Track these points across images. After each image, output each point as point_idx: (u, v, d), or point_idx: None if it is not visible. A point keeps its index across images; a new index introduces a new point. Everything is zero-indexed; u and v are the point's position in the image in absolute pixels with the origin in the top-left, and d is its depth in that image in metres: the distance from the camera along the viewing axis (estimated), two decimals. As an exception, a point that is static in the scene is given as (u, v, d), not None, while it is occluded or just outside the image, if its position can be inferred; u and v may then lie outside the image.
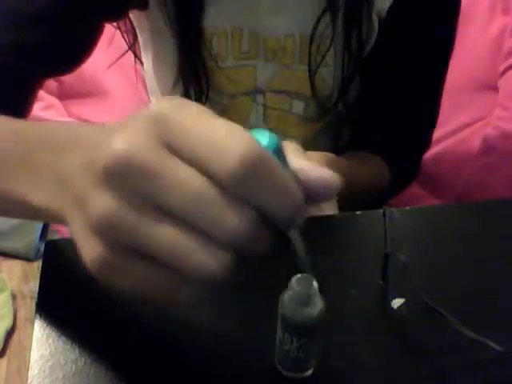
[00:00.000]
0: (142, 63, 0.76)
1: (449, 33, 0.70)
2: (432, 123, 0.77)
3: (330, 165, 0.58)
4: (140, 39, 0.72)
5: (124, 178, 0.26)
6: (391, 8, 0.65)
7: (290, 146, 0.33)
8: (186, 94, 0.69)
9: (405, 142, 0.75)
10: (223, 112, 0.73)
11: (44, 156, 0.34)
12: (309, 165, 0.31)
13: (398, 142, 0.75)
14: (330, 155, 0.61)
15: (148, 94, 0.83)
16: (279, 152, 0.29)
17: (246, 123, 0.74)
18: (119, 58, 0.67)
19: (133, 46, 0.72)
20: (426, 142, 0.79)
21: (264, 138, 0.28)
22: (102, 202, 0.27)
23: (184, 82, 0.69)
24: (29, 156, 0.35)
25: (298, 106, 0.72)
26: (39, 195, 0.34)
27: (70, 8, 0.56)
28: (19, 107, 0.58)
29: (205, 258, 0.26)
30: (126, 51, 0.71)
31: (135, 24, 0.70)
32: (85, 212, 0.28)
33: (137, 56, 0.74)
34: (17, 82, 0.57)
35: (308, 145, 0.76)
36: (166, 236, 0.26)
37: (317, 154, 0.59)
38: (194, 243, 0.26)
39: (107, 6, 0.61)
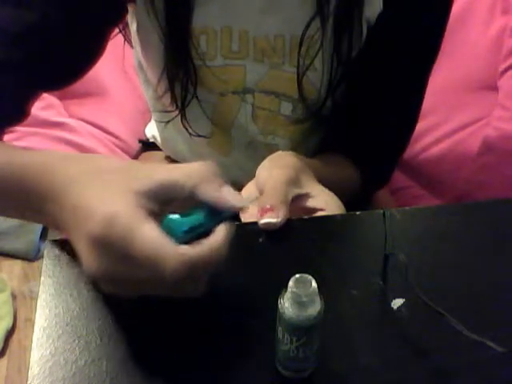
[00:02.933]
0: (132, 47, 0.75)
1: (435, 43, 0.71)
2: (409, 131, 0.77)
3: (293, 162, 0.57)
4: (131, 28, 0.71)
5: (106, 281, 0.40)
6: (380, 14, 0.65)
7: (207, 183, 0.41)
8: (171, 90, 0.69)
9: (378, 147, 0.75)
10: (212, 110, 0.73)
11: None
12: (222, 196, 0.41)
13: (370, 147, 0.74)
14: (291, 154, 0.60)
15: (142, 87, 0.83)
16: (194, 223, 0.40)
17: (235, 121, 0.74)
18: (112, 38, 0.65)
19: (124, 29, 0.71)
20: (400, 150, 0.79)
21: (177, 224, 0.40)
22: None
23: (168, 77, 0.68)
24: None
25: (286, 108, 0.72)
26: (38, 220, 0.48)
27: (64, 22, 0.56)
28: (12, 119, 0.58)
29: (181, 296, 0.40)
30: (118, 33, 0.70)
31: (128, 15, 0.68)
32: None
33: (127, 39, 0.73)
34: (10, 95, 0.56)
35: (297, 144, 0.77)
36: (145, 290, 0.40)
37: (279, 157, 0.59)
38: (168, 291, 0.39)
39: (108, 11, 0.61)
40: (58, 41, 0.56)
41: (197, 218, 0.41)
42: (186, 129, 0.73)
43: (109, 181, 0.40)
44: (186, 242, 0.39)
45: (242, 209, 0.43)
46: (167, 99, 0.71)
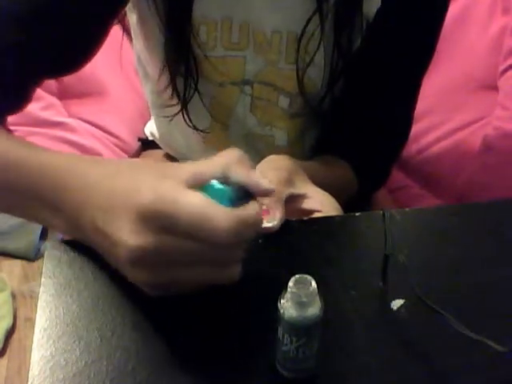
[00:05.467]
0: (131, 40, 0.75)
1: (431, 42, 0.71)
2: (404, 132, 0.78)
3: (287, 165, 0.58)
4: (130, 21, 0.71)
5: (145, 261, 0.39)
6: (378, 11, 0.65)
7: (238, 165, 0.42)
8: (172, 81, 0.69)
9: (373, 146, 0.75)
10: (211, 101, 0.73)
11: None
12: (252, 178, 0.42)
13: (366, 146, 0.75)
14: (285, 158, 0.60)
15: (141, 82, 0.82)
16: (234, 194, 0.41)
17: (233, 112, 0.74)
18: (112, 25, 0.65)
19: (123, 24, 0.71)
20: (396, 150, 0.79)
21: (221, 194, 0.40)
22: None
23: (170, 69, 0.68)
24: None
25: (284, 101, 0.73)
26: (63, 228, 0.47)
27: (65, 9, 0.55)
28: (13, 105, 0.58)
29: (220, 279, 0.41)
30: (116, 23, 0.70)
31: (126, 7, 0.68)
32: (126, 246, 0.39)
33: (127, 31, 0.73)
34: (12, 81, 0.56)
35: (293, 137, 0.77)
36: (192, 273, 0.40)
37: (273, 160, 0.59)
38: (210, 276, 0.40)
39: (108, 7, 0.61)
40: (59, 27, 0.56)
41: (234, 192, 0.41)
42: (187, 123, 0.73)
43: (144, 172, 0.42)
44: None
45: (270, 192, 0.43)
46: (168, 93, 0.71)
